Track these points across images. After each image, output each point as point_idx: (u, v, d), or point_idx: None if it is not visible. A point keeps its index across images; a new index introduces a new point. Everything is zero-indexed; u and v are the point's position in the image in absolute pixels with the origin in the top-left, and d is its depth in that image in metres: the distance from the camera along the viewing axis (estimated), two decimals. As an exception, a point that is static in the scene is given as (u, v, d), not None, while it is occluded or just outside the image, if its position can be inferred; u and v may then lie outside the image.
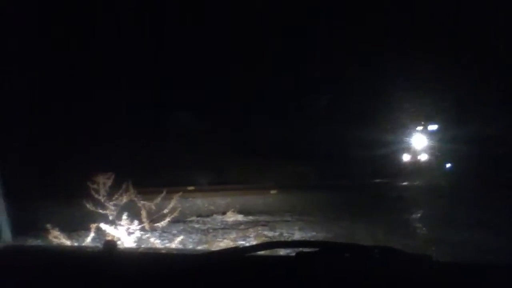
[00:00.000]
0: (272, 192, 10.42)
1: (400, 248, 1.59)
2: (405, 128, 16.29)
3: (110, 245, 1.71)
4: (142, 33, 12.72)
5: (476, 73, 14.47)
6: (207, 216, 7.64)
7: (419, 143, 16.89)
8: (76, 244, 4.81)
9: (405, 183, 13.41)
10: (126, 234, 4.57)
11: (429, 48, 14.37)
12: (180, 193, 5.30)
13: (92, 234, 4.55)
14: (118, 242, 4.29)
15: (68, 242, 4.54)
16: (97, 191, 4.62)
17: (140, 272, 1.53)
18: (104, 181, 4.63)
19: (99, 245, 4.24)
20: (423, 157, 16.73)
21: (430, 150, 16.49)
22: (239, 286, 1.44)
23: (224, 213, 7.71)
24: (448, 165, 16.48)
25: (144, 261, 1.79)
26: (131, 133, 11.94)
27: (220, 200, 9.13)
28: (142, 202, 4.74)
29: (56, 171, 9.65)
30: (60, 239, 4.44)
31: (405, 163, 16.33)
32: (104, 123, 11.51)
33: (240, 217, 7.43)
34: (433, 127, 17.28)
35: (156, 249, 4.08)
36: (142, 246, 4.56)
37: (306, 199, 9.74)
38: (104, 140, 10.88)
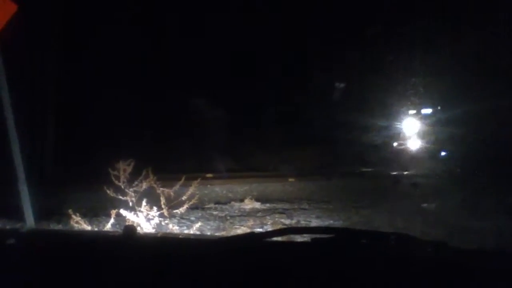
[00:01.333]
0: (290, 180, 10.43)
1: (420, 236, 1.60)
2: (396, 112, 15.31)
3: (130, 230, 1.75)
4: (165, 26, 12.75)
5: (473, 53, 13.50)
6: (225, 203, 7.69)
7: (412, 128, 15.64)
8: (96, 229, 4.91)
9: (397, 172, 12.74)
10: (145, 220, 4.65)
11: (424, 27, 13.67)
12: (199, 180, 5.35)
13: (112, 220, 4.63)
14: (138, 228, 4.37)
15: (88, 227, 4.63)
16: (118, 178, 4.69)
17: (158, 256, 1.57)
18: (124, 168, 4.70)
19: (119, 230, 4.33)
20: (416, 144, 15.45)
21: (424, 135, 15.29)
22: (255, 271, 1.47)
23: (242, 200, 7.76)
24: (443, 153, 15.17)
25: (162, 246, 1.83)
26: (151, 121, 12.03)
27: (238, 188, 9.17)
28: (161, 188, 4.80)
29: (78, 158, 9.80)
30: (81, 224, 4.53)
31: (396, 150, 15.18)
32: (126, 111, 11.62)
33: (257, 205, 7.47)
34: (426, 110, 16.03)
35: (174, 234, 4.15)
36: (161, 232, 4.64)
37: (324, 187, 9.73)
38: (126, 128, 11.00)
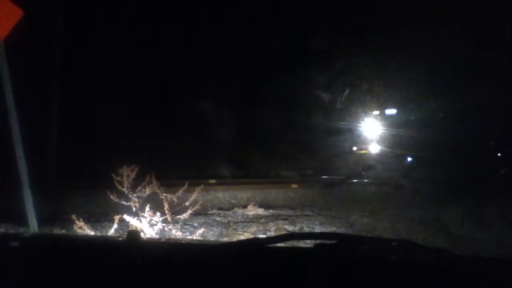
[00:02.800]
0: (293, 186, 10.43)
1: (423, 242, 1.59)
2: (357, 113, 14.03)
3: (133, 235, 1.75)
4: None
5: (440, 50, 13.27)
6: (228, 209, 7.69)
7: (374, 130, 14.13)
8: (99, 234, 4.91)
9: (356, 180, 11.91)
10: (148, 226, 4.65)
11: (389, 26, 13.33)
12: (202, 186, 5.35)
13: (115, 225, 4.63)
14: (141, 233, 4.37)
15: (92, 233, 4.63)
16: (121, 183, 4.70)
17: (162, 261, 1.57)
18: (128, 174, 4.70)
19: (123, 235, 4.33)
20: (376, 148, 13.99)
21: (386, 139, 13.88)
22: (258, 276, 1.47)
23: (245, 206, 7.76)
24: (409, 159, 14.06)
25: (166, 251, 1.83)
26: (155, 128, 12.06)
27: (241, 194, 9.18)
28: (164, 194, 4.80)
29: (81, 163, 9.83)
30: (84, 229, 4.53)
31: (355, 155, 13.81)
32: (129, 118, 11.66)
33: (260, 211, 7.46)
34: (391, 111, 14.62)
35: (177, 239, 4.14)
36: (164, 237, 4.63)
37: (327, 193, 9.72)
38: (130, 135, 11.03)
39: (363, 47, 13.66)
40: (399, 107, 14.34)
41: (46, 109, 10.05)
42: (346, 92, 13.91)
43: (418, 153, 13.23)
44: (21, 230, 4.81)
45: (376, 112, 14.42)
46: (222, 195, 9.01)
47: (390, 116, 14.44)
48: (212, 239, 5.36)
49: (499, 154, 15.18)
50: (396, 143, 13.53)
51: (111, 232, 4.70)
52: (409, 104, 14.01)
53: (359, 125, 13.92)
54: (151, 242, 2.36)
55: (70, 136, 10.63)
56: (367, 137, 13.97)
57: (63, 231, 5.24)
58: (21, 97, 4.11)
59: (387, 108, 14.42)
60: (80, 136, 10.91)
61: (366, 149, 13.92)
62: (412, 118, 13.79)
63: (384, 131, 13.85)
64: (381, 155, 13.57)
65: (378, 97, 14.19)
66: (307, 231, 6.01)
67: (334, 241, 1.67)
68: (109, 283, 1.40)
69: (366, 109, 14.14)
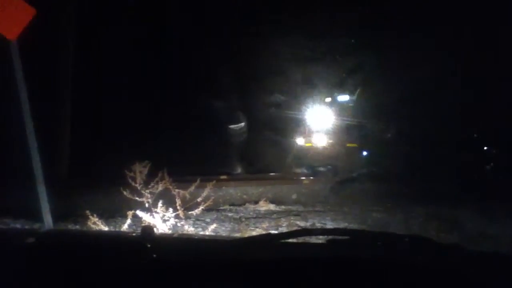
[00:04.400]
0: (305, 182, 10.41)
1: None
2: (305, 100, 12.04)
3: (148, 231, 1.77)
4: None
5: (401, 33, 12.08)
6: (240, 205, 7.71)
7: (323, 120, 12.03)
8: (113, 230, 4.96)
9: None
10: (161, 221, 4.68)
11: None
12: (214, 182, 5.37)
13: (128, 221, 4.67)
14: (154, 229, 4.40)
15: (106, 228, 4.68)
16: (134, 179, 4.73)
17: (176, 256, 1.59)
18: (140, 170, 4.74)
19: (136, 231, 4.36)
20: (326, 141, 12.07)
21: (339, 130, 11.95)
22: (271, 272, 1.47)
23: (256, 202, 7.77)
24: (365, 153, 12.41)
25: (179, 247, 1.85)
26: (169, 126, 12.01)
27: (253, 190, 9.17)
28: (176, 190, 4.83)
29: (94, 160, 9.89)
30: (98, 225, 4.58)
31: (300, 150, 11.87)
32: (140, 116, 11.66)
33: (272, 207, 7.48)
34: (343, 97, 12.74)
35: (190, 235, 4.17)
36: (177, 232, 4.67)
37: (339, 189, 9.68)
38: (144, 132, 11.05)
39: (310, 24, 12.37)
40: (354, 92, 12.65)
41: (59, 107, 10.13)
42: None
43: (376, 146, 11.92)
44: (36, 226, 4.88)
45: (329, 99, 12.75)
46: (233, 191, 9.02)
47: (343, 103, 12.77)
48: (224, 235, 5.39)
49: (485, 148, 14.64)
50: (349, 134, 12.06)
51: (125, 227, 4.75)
52: (365, 89, 12.45)
53: (306, 114, 11.89)
54: (164, 238, 2.38)
55: (83, 134, 10.70)
56: (315, 128, 12.06)
57: (78, 227, 5.30)
58: (34, 95, 4.16)
59: (340, 94, 12.77)
60: (92, 134, 10.97)
61: (312, 142, 12.14)
62: (370, 105, 12.16)
63: (335, 120, 11.96)
64: (330, 148, 11.98)
65: (329, 81, 12.54)
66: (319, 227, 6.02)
67: (346, 237, 1.68)
68: (124, 278, 1.41)
69: (316, 96, 12.34)
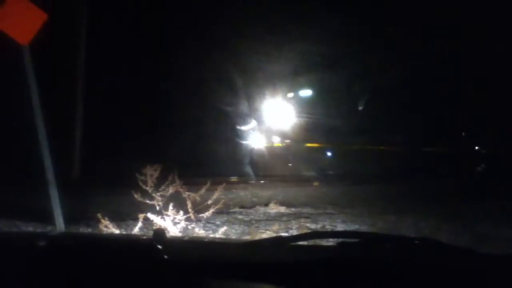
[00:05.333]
0: (315, 184, 10.39)
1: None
2: (264, 96, 10.81)
3: (160, 234, 1.78)
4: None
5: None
6: (250, 207, 7.70)
7: (283, 118, 10.76)
8: (125, 232, 4.98)
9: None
10: (172, 224, 4.70)
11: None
12: (224, 185, 5.37)
13: (139, 224, 4.69)
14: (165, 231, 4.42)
15: (117, 231, 4.70)
16: (145, 182, 4.75)
17: (187, 259, 1.59)
18: (151, 173, 4.76)
19: (147, 234, 4.39)
20: (286, 140, 10.93)
21: (299, 128, 10.69)
22: (281, 274, 1.47)
23: (266, 204, 7.75)
24: (329, 153, 11.45)
25: (190, 249, 1.85)
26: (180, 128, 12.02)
27: (263, 192, 9.17)
28: (187, 193, 4.84)
29: (105, 163, 9.95)
30: (109, 228, 4.61)
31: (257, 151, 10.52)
32: (158, 117, 11.67)
33: (282, 209, 7.46)
34: (306, 92, 11.82)
35: (201, 238, 4.18)
36: (188, 235, 4.68)
37: (350, 191, 9.64)
38: (155, 134, 11.07)
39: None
40: (318, 86, 11.60)
41: (70, 110, 10.22)
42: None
43: (342, 145, 11.07)
44: (48, 229, 4.92)
45: (291, 94, 11.73)
46: (244, 193, 9.03)
47: (305, 98, 11.82)
48: (234, 237, 5.39)
49: (476, 148, 14.07)
50: (313, 133, 11.00)
51: (136, 230, 4.77)
52: (330, 83, 11.47)
53: (263, 111, 10.65)
54: (176, 240, 2.39)
55: (94, 136, 10.77)
56: (274, 127, 10.83)
57: (89, 230, 5.33)
58: (45, 98, 4.20)
59: (302, 89, 11.83)
60: (103, 136, 11.03)
61: (272, 142, 10.95)
62: (331, 99, 11.32)
63: (296, 117, 10.69)
64: (290, 149, 10.92)
65: (292, 75, 11.41)
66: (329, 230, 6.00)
67: (357, 240, 1.67)
68: (136, 281, 1.42)
69: (277, 90, 11.14)
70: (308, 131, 10.88)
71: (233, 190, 8.86)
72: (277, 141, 11.04)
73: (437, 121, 12.39)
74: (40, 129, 4.00)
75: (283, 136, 10.96)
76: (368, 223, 6.44)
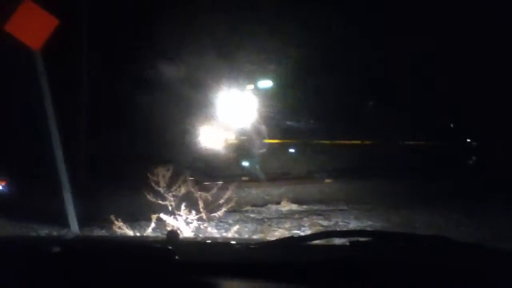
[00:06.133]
0: (327, 181, 10.37)
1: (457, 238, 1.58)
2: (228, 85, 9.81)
3: (173, 235, 1.81)
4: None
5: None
6: (262, 206, 7.71)
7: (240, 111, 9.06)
8: (138, 234, 5.02)
9: None
10: (184, 224, 4.73)
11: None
12: (235, 184, 5.40)
13: (152, 224, 4.73)
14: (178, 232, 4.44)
15: (130, 232, 4.75)
16: (157, 183, 4.79)
17: (200, 259, 1.61)
18: (163, 173, 4.79)
19: (160, 234, 4.42)
20: (243, 136, 10.20)
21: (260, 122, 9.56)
22: (295, 274, 1.49)
23: (278, 202, 7.76)
24: (291, 150, 10.78)
25: (203, 250, 1.87)
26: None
27: (275, 190, 9.17)
28: (199, 193, 4.87)
29: (116, 164, 9.98)
30: (123, 229, 4.65)
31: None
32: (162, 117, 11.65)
33: (294, 207, 7.46)
34: (265, 83, 10.89)
35: (214, 238, 4.21)
36: (200, 235, 4.71)
37: (362, 187, 9.62)
38: (167, 135, 11.05)
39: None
40: (278, 77, 10.68)
41: (76, 112, 10.25)
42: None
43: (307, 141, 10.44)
44: (63, 232, 4.98)
45: (251, 86, 10.90)
46: (255, 191, 9.04)
47: (265, 90, 10.91)
48: (247, 236, 5.41)
49: (468, 140, 13.90)
50: (274, 128, 10.21)
51: (149, 231, 4.81)
52: (291, 74, 10.66)
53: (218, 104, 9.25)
54: (189, 241, 2.41)
55: (102, 138, 10.81)
56: (230, 122, 9.43)
57: (103, 231, 5.38)
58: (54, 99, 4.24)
59: (260, 79, 10.94)
60: (112, 138, 11.05)
61: (226, 138, 10.07)
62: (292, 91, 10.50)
63: (254, 111, 9.23)
64: (246, 145, 10.20)
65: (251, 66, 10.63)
66: (342, 227, 6.01)
67: (369, 238, 1.68)
68: (151, 283, 1.44)
69: (236, 83, 10.26)
70: (268, 126, 10.05)
71: (245, 188, 8.87)
72: (231, 138, 10.28)
73: (415, 115, 12.12)
74: (53, 133, 4.05)
75: (240, 132, 10.17)
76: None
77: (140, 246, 2.05)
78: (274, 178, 10.45)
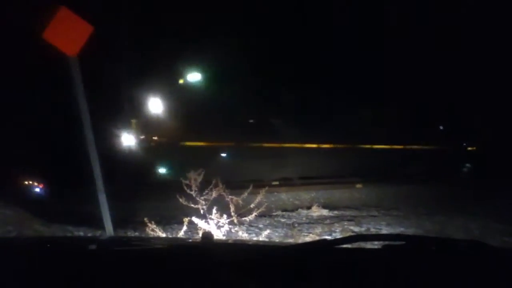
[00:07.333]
0: (358, 186, 10.28)
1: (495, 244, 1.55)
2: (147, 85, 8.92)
3: (208, 237, 1.83)
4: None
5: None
6: (292, 210, 7.70)
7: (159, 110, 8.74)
8: (170, 236, 5.09)
9: None
10: (216, 228, 4.77)
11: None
12: (266, 188, 5.41)
13: (184, 227, 4.78)
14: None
15: (163, 235, 4.81)
16: (189, 187, 4.84)
17: (233, 261, 1.63)
18: (195, 177, 4.84)
19: (194, 237, 4.46)
20: (170, 137, 9.07)
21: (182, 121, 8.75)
22: (327, 277, 1.49)
23: (309, 207, 7.73)
24: (223, 154, 9.69)
25: (237, 251, 1.89)
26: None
27: (305, 195, 9.15)
28: (230, 196, 4.90)
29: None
30: (156, 232, 4.72)
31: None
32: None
33: (325, 212, 7.42)
34: (195, 76, 10.04)
35: (246, 241, 4.22)
36: (232, 238, 4.74)
37: (394, 193, 9.49)
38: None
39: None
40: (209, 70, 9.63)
41: (115, 115, 10.43)
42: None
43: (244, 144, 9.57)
44: (98, 233, 5.09)
45: (181, 81, 10.29)
46: (285, 196, 9.03)
47: (195, 84, 9.97)
48: (277, 240, 5.41)
49: (464, 144, 13.14)
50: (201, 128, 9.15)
51: (181, 233, 4.87)
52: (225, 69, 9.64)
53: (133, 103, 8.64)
54: (222, 243, 2.43)
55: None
56: (158, 120, 8.82)
57: (136, 233, 5.47)
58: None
59: (189, 73, 10.05)
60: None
61: (151, 139, 8.97)
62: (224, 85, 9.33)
63: (184, 108, 8.66)
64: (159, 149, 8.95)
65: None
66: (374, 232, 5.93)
67: (402, 243, 1.66)
68: (186, 283, 1.47)
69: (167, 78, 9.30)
70: (192, 126, 9.05)
71: (275, 193, 8.87)
72: (158, 138, 9.22)
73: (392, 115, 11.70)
74: (88, 137, 4.15)
75: (154, 132, 9.17)
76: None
77: (174, 246, 2.09)
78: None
